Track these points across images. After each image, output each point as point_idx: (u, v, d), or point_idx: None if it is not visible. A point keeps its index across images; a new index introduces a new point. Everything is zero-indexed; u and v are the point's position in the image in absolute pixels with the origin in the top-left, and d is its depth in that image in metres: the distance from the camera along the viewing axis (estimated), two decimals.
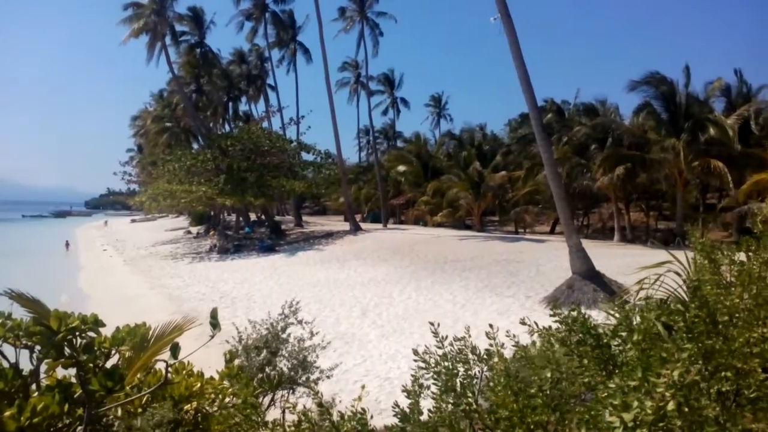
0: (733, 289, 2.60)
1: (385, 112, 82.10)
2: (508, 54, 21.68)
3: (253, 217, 60.09)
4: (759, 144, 35.11)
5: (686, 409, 1.78)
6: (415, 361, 2.58)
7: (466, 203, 49.78)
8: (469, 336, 2.71)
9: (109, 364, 2.77)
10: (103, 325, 2.76)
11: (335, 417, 2.29)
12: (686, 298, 3.79)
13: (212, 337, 3.02)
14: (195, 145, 60.52)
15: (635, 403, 1.59)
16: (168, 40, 51.07)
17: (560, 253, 22.43)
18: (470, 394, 2.27)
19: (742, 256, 3.03)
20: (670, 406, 1.66)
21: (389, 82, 76.95)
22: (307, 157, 47.60)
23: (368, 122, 63.06)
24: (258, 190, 42.88)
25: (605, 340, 2.27)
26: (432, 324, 2.85)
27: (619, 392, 1.68)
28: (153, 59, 50.33)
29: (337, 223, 56.19)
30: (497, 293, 20.61)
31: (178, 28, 54.12)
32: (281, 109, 60.90)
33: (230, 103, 65.55)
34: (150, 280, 30.58)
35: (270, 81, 65.48)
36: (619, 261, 22.13)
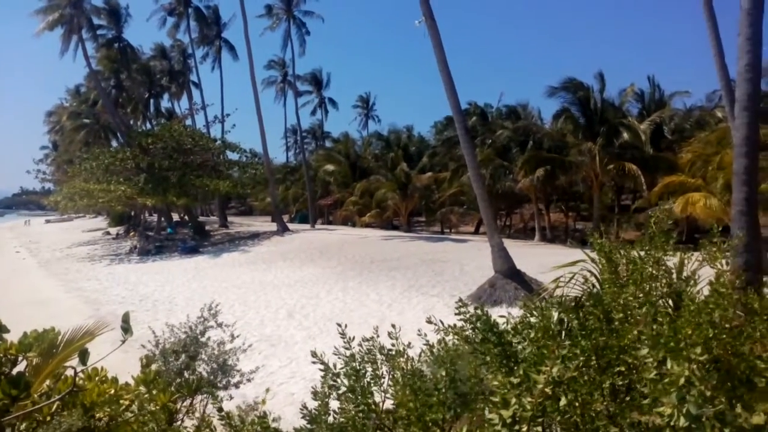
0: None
1: (313, 112, 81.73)
2: (435, 57, 22.04)
3: (175, 217, 58.38)
4: (670, 148, 37.12)
5: (576, 404, 1.90)
6: (314, 363, 2.62)
7: (393, 204, 50.18)
8: (378, 336, 2.77)
9: (15, 371, 2.68)
10: (7, 330, 2.66)
11: (249, 419, 2.30)
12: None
13: (123, 341, 2.96)
14: (114, 143, 58.30)
15: (513, 400, 1.66)
16: (85, 33, 48.91)
17: (483, 253, 22.97)
18: (369, 395, 2.32)
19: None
20: (562, 401, 1.77)
21: (317, 81, 76.57)
22: (232, 156, 46.71)
23: (296, 122, 62.49)
24: (180, 190, 41.73)
25: (508, 338, 2.37)
26: (339, 325, 2.91)
27: (501, 389, 1.76)
28: (69, 52, 48.16)
29: (264, 224, 55.40)
30: (423, 293, 20.91)
31: (95, 21, 51.91)
32: (205, 107, 59.44)
33: (152, 100, 63.51)
34: (66, 283, 29.20)
35: (194, 78, 63.89)
36: (539, 260, 22.88)
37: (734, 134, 14.05)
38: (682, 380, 1.59)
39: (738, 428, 1.56)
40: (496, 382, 1.89)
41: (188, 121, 57.47)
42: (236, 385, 8.06)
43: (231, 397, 7.91)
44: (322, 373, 2.56)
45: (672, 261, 3.46)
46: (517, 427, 1.64)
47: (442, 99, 23.36)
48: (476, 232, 49.09)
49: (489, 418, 1.69)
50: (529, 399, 1.67)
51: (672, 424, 1.54)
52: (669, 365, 1.66)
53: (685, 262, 3.76)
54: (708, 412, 1.55)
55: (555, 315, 2.26)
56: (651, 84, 42.30)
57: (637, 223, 39.38)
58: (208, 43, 61.31)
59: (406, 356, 2.59)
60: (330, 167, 58.72)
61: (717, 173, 26.57)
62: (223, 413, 2.22)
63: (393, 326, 2.76)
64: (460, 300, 3.05)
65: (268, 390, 4.52)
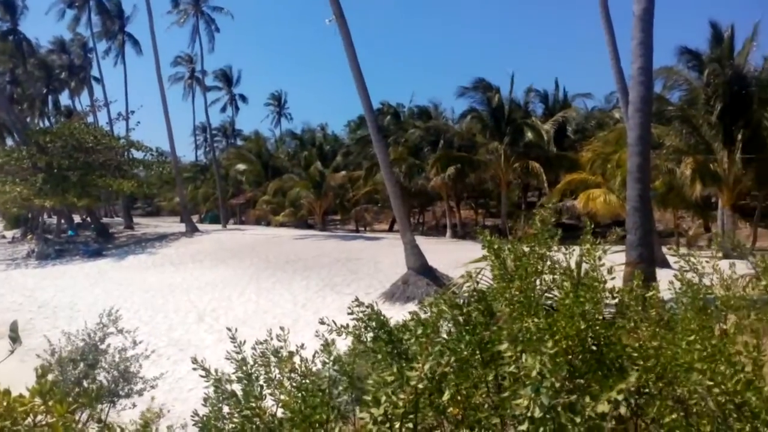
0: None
1: (223, 110, 79.67)
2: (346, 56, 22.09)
3: (77, 219, 55.45)
4: (573, 147, 38.86)
5: (458, 398, 1.96)
6: (194, 369, 2.60)
7: (308, 203, 49.86)
8: (271, 339, 2.76)
9: None
10: None
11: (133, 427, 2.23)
12: None
13: (12, 352, 2.79)
14: (9, 142, 54.65)
15: (384, 398, 1.69)
16: None
17: (397, 250, 23.28)
18: (256, 399, 2.31)
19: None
20: (445, 396, 1.82)
21: (227, 78, 74.72)
22: (137, 154, 44.89)
23: (205, 119, 60.84)
24: (82, 190, 39.64)
25: (400, 336, 2.42)
26: (229, 329, 2.89)
27: (374, 387, 1.79)
28: None
29: (172, 225, 53.59)
30: (337, 291, 20.95)
31: None
32: (108, 104, 56.73)
33: (50, 96, 60.04)
34: None
35: (95, 73, 60.98)
36: (450, 256, 23.42)
37: (628, 134, 14.92)
38: (534, 373, 1.66)
39: (588, 417, 1.65)
40: (369, 381, 1.92)
41: (90, 119, 54.67)
42: (140, 393, 7.81)
43: (134, 405, 7.65)
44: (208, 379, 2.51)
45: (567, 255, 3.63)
46: (388, 425, 1.67)
47: (356, 98, 23.57)
48: (390, 229, 49.58)
49: (360, 417, 1.71)
50: (402, 396, 1.70)
51: (529, 415, 1.60)
52: (524, 359, 1.75)
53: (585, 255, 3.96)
54: (560, 403, 1.63)
55: (441, 311, 2.33)
56: (555, 86, 44.20)
57: (540, 219, 40.99)
58: (111, 37, 58.71)
59: (300, 358, 2.59)
60: (241, 166, 57.60)
61: (615, 171, 28.03)
62: (101, 425, 2.14)
63: (281, 329, 2.75)
64: (356, 299, 3.08)
65: (153, 398, 4.42)
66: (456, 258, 20.82)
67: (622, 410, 2.27)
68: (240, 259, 29.79)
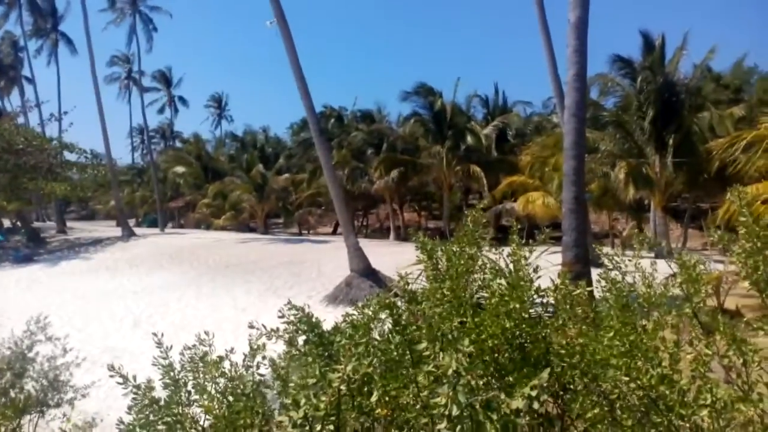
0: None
1: (161, 111, 77.61)
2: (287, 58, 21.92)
3: (6, 223, 53.05)
4: (513, 151, 39.66)
5: (387, 399, 1.96)
6: (111, 376, 2.52)
7: (249, 206, 49.19)
8: (202, 344, 2.70)
9: None
10: None
11: None
12: None
13: None
14: None
15: (303, 400, 1.69)
16: None
17: (340, 253, 23.22)
18: (174, 405, 2.26)
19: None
20: (374, 397, 1.81)
21: (166, 79, 72.93)
22: (70, 157, 43.15)
23: (142, 121, 59.21)
24: (11, 194, 37.77)
25: (332, 338, 2.41)
26: (155, 335, 2.83)
27: (295, 390, 1.78)
28: None
29: (108, 229, 51.88)
30: (279, 295, 20.71)
31: None
32: (40, 104, 54.28)
33: None
34: None
35: (26, 73, 58.50)
36: (394, 258, 23.47)
37: (564, 139, 15.32)
38: (450, 371, 1.67)
39: (504, 413, 1.68)
40: (291, 384, 1.89)
41: (20, 119, 52.32)
42: (70, 402, 7.54)
43: (64, 415, 7.37)
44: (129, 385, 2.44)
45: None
46: (308, 428, 1.65)
47: (299, 100, 23.38)
48: (334, 232, 49.43)
49: (279, 420, 1.70)
50: (323, 398, 1.69)
51: (446, 413, 1.61)
52: (441, 357, 1.76)
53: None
54: (477, 400, 1.66)
55: (370, 313, 2.34)
56: (495, 91, 45.00)
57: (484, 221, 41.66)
58: (43, 35, 56.42)
59: (230, 362, 2.55)
60: (180, 169, 56.25)
61: (553, 174, 28.80)
62: None
63: (206, 333, 2.70)
64: (289, 302, 3.05)
65: (73, 408, 4.30)
66: (399, 260, 20.84)
67: (549, 407, 2.32)
68: (179, 263, 29.11)
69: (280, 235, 47.79)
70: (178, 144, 75.06)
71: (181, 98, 77.41)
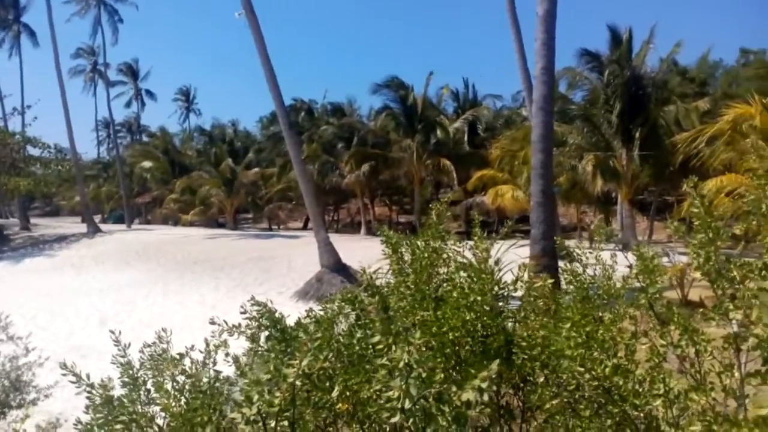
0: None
1: (128, 105, 76.27)
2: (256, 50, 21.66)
3: None
4: (483, 145, 39.90)
5: (347, 394, 1.91)
6: (64, 375, 2.48)
7: (218, 201, 48.66)
8: (161, 342, 2.64)
9: None
10: None
11: None
12: None
13: None
14: None
15: (255, 397, 1.66)
16: None
17: (311, 248, 23.12)
18: (129, 404, 2.28)
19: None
20: (335, 392, 1.76)
21: (132, 72, 71.66)
22: (33, 151, 42.23)
23: (108, 114, 58.08)
24: None
25: (294, 334, 2.36)
26: (113, 332, 2.79)
27: (249, 387, 1.74)
28: None
29: (73, 225, 50.87)
30: (249, 291, 20.41)
31: None
32: (2, 98, 53.18)
33: None
34: None
35: None
36: (365, 253, 23.35)
37: (532, 132, 15.42)
38: (401, 364, 1.65)
39: (455, 406, 1.68)
40: (245, 380, 1.84)
41: None
42: (34, 402, 7.40)
43: (27, 416, 7.19)
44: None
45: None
46: (261, 424, 1.61)
47: (268, 93, 23.17)
48: (305, 227, 49.23)
49: (231, 417, 1.66)
50: (278, 394, 1.67)
51: (399, 406, 1.60)
52: (393, 350, 1.73)
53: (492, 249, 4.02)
54: (429, 393, 1.65)
55: (335, 308, 2.30)
56: (465, 85, 45.16)
57: (454, 215, 41.92)
58: (5, 27, 54.93)
59: (190, 359, 2.51)
60: (147, 163, 55.33)
61: (522, 167, 29.01)
62: None
63: (164, 330, 2.65)
64: (252, 298, 2.99)
65: (27, 415, 4.21)
66: (370, 255, 20.74)
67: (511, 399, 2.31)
68: (146, 260, 28.70)
69: (250, 231, 47.40)
70: (145, 138, 73.84)
71: (148, 92, 76.26)
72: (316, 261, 21.59)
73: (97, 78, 65.96)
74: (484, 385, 1.68)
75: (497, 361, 1.82)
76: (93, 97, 68.46)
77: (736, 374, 2.33)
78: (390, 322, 2.05)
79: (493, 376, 1.70)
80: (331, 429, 2.30)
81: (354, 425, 2.24)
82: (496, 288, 2.77)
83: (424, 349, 1.88)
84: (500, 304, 2.78)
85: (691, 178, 2.52)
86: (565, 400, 2.48)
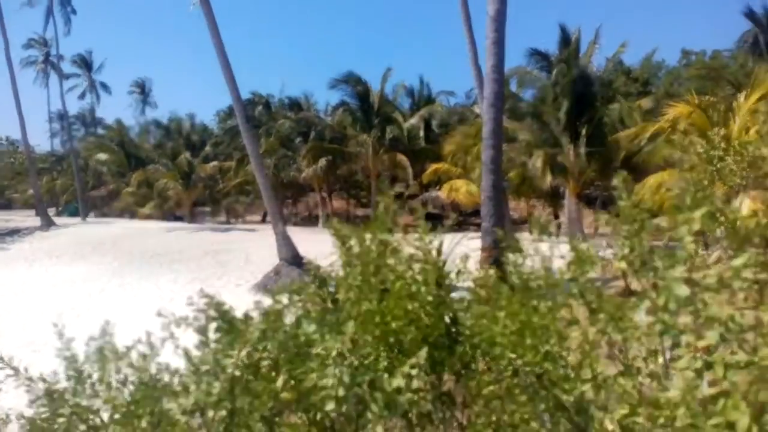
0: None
1: (82, 96, 74.18)
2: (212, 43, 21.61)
3: None
4: (437, 141, 40.40)
5: (292, 383, 2.23)
6: (0, 368, 2.61)
7: (175, 194, 48.10)
8: (105, 334, 2.80)
9: None
10: None
11: None
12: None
13: None
14: None
15: (192, 387, 1.83)
16: None
17: (269, 242, 23.21)
18: (70, 397, 2.39)
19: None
20: (279, 381, 2.07)
21: (86, 64, 69.77)
22: None
23: (62, 106, 56.60)
24: None
25: (242, 326, 2.58)
26: (56, 325, 2.97)
27: (186, 377, 1.91)
28: None
29: (26, 218, 49.58)
30: (207, 284, 20.55)
31: None
32: None
33: None
34: None
35: None
36: (323, 246, 23.22)
37: (483, 128, 15.89)
38: (334, 353, 1.84)
39: (387, 393, 1.83)
40: (185, 371, 2.02)
41: None
42: None
43: None
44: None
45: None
46: (200, 413, 1.78)
47: (226, 86, 23.07)
48: (263, 221, 48.93)
49: (167, 408, 1.83)
50: (216, 384, 1.82)
51: (334, 394, 1.76)
52: (326, 339, 1.96)
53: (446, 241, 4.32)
54: (364, 380, 1.82)
55: (284, 299, 2.57)
56: (420, 82, 45.57)
57: (410, 209, 42.34)
58: None
59: (137, 352, 2.62)
60: (102, 156, 54.22)
61: (475, 163, 29.58)
62: None
63: (107, 322, 2.80)
64: (201, 290, 3.21)
65: None
66: (328, 248, 21.11)
67: (450, 385, 2.62)
68: (101, 254, 28.32)
69: (208, 224, 46.95)
70: (100, 131, 72.08)
71: (102, 84, 74.27)
72: (275, 254, 21.73)
73: (49, 69, 64.07)
74: (414, 372, 1.81)
75: (426, 348, 1.99)
76: (46, 88, 66.32)
77: (660, 359, 2.40)
78: (326, 312, 2.34)
79: (422, 362, 1.86)
80: (278, 419, 2.33)
81: (299, 414, 2.31)
82: (439, 279, 2.91)
83: (358, 338, 2.01)
84: (442, 293, 2.91)
85: (620, 172, 2.70)
86: (503, 386, 2.60)
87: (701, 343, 1.59)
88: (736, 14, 26.35)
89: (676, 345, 1.76)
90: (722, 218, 2.41)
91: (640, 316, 1.99)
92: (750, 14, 26.45)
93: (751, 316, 1.72)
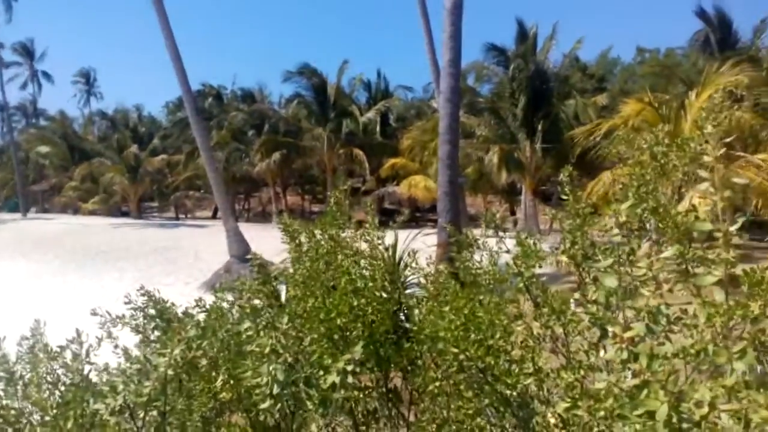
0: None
1: (24, 87, 71.37)
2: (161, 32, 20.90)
3: None
4: (394, 135, 40.27)
5: (231, 382, 1.95)
6: None
7: (121, 189, 46.71)
8: (35, 334, 2.59)
9: None
10: None
11: None
12: None
13: None
14: None
15: (120, 387, 1.69)
16: None
17: (220, 238, 22.70)
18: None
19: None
20: (218, 381, 1.79)
21: (28, 52, 67.13)
22: None
23: (1, 97, 54.28)
24: None
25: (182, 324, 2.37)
26: None
27: (116, 378, 1.74)
28: None
29: None
30: (155, 282, 19.66)
31: None
32: None
33: None
34: None
35: None
36: (275, 243, 22.76)
37: (440, 123, 15.71)
38: (267, 349, 1.70)
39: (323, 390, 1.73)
40: (115, 371, 1.85)
41: None
42: None
43: None
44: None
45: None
46: (128, 414, 1.63)
47: (175, 77, 22.33)
48: (214, 216, 48.00)
49: (95, 408, 1.66)
50: (147, 383, 1.66)
51: (268, 392, 1.64)
52: (260, 336, 1.79)
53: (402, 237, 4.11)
54: (300, 378, 1.69)
55: (230, 297, 2.32)
56: (378, 76, 45.31)
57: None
58: None
59: (71, 353, 2.46)
60: (44, 149, 52.16)
61: (432, 158, 29.55)
62: None
63: (36, 321, 2.60)
64: (142, 287, 2.96)
65: None
66: (281, 245, 20.69)
67: (398, 381, 2.41)
68: (43, 251, 27.23)
69: (155, 220, 45.87)
70: (42, 122, 69.53)
71: (45, 73, 71.64)
72: (225, 251, 21.22)
73: None
74: (349, 368, 1.73)
75: (361, 343, 1.88)
76: None
77: (601, 353, 2.38)
78: (269, 308, 2.09)
79: (357, 357, 1.76)
80: (219, 419, 2.28)
81: (240, 414, 2.24)
82: (390, 275, 2.84)
83: (301, 334, 1.91)
84: (389, 289, 2.85)
85: (566, 167, 2.65)
86: (449, 382, 2.55)
87: (628, 334, 1.61)
88: (690, 12, 26.88)
89: (603, 336, 1.80)
90: (663, 212, 2.46)
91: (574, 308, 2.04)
92: (701, 14, 27.11)
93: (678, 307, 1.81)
